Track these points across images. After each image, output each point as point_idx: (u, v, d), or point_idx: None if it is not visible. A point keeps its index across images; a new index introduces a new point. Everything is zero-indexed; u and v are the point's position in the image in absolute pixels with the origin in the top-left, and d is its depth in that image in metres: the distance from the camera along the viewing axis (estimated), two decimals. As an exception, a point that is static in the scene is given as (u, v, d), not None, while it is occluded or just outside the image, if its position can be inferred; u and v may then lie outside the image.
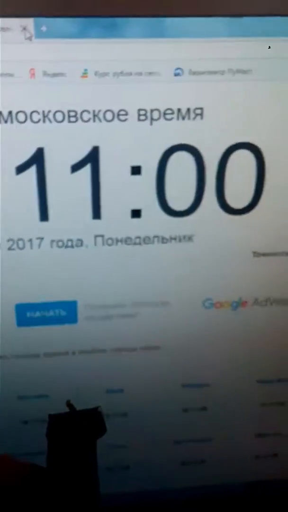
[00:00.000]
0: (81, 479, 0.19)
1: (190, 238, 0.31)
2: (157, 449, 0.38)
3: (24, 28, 0.25)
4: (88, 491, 0.19)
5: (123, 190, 0.30)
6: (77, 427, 0.19)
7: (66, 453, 0.19)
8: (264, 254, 0.32)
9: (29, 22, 0.25)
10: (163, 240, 0.31)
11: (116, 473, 0.38)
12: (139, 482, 0.38)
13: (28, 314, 0.32)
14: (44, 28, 0.25)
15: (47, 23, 0.25)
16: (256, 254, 0.32)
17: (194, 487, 0.39)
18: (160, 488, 0.39)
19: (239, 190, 0.30)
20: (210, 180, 0.30)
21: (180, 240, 0.31)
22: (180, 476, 0.39)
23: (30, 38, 0.25)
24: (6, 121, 0.27)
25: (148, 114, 0.28)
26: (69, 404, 0.19)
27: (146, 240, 0.31)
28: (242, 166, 0.29)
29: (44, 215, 0.30)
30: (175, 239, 0.31)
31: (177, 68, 0.27)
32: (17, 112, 0.27)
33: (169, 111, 0.28)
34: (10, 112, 0.27)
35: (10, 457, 0.20)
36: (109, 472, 0.37)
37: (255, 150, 0.29)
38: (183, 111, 0.28)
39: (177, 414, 0.36)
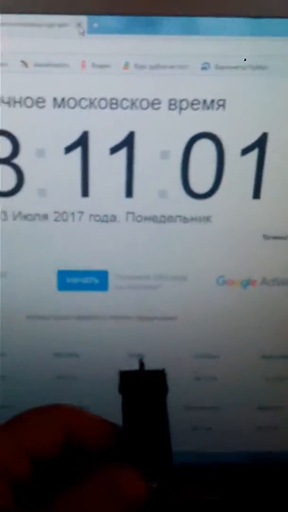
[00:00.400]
0: (155, 433, 0.17)
1: (208, 219, 0.29)
2: (171, 413, 0.34)
3: (79, 25, 0.24)
4: (162, 446, 0.17)
5: (152, 172, 0.28)
6: (147, 383, 0.18)
7: (140, 407, 0.17)
8: (274, 237, 0.29)
9: (84, 19, 0.24)
10: (185, 219, 0.29)
11: None
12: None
13: (67, 279, 0.30)
14: (95, 25, 0.24)
15: (98, 20, 0.24)
16: (265, 237, 0.29)
17: (201, 453, 0.35)
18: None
19: (255, 176, 0.27)
20: (228, 166, 0.27)
21: (199, 221, 0.29)
22: (191, 441, 0.35)
23: (83, 33, 0.24)
24: (59, 106, 0.26)
25: (178, 103, 0.26)
26: (141, 363, 0.18)
27: (170, 219, 0.29)
28: (258, 154, 0.27)
29: (85, 192, 0.28)
30: (195, 219, 0.29)
31: (205, 63, 0.25)
32: (69, 99, 0.25)
33: (195, 102, 0.26)
34: (63, 99, 0.25)
35: (87, 412, 0.18)
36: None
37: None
38: (208, 102, 0.26)
39: (190, 381, 0.33)
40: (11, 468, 0.16)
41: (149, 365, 0.32)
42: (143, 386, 0.17)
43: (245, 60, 0.24)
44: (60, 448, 0.17)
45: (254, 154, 0.27)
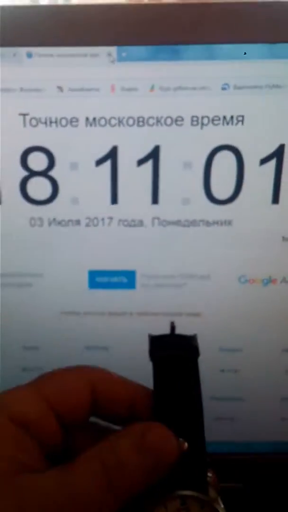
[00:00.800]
0: (187, 396, 0.18)
1: (229, 223, 0.34)
2: None
3: (109, 54, 0.30)
4: (194, 408, 0.18)
5: (176, 181, 0.33)
6: (178, 346, 0.19)
7: (171, 371, 0.18)
8: (292, 239, 0.35)
9: (113, 49, 0.30)
10: (207, 223, 0.34)
11: None
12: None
13: (97, 279, 0.36)
14: (124, 54, 0.30)
15: (126, 50, 0.30)
16: (284, 239, 0.34)
17: (225, 442, 0.41)
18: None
19: (271, 184, 0.33)
20: (247, 175, 0.33)
21: (221, 224, 0.34)
22: (214, 431, 0.40)
23: (113, 62, 0.30)
24: (91, 125, 0.32)
25: (199, 120, 0.31)
26: (172, 326, 0.20)
27: (193, 223, 0.34)
28: (274, 164, 0.32)
29: (114, 199, 0.34)
30: (217, 223, 0.34)
31: (225, 84, 0.30)
32: (100, 118, 0.32)
33: (216, 118, 0.31)
34: (94, 118, 0.32)
35: (115, 373, 0.19)
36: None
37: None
38: (228, 118, 0.31)
39: (215, 373, 0.38)
40: (39, 429, 0.17)
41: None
42: (174, 350, 0.18)
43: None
44: (87, 409, 0.18)
45: (272, 163, 0.32)
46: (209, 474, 0.18)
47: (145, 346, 0.38)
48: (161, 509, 0.17)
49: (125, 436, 0.17)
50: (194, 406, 0.18)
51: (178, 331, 0.36)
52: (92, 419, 0.20)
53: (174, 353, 0.19)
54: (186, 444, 0.17)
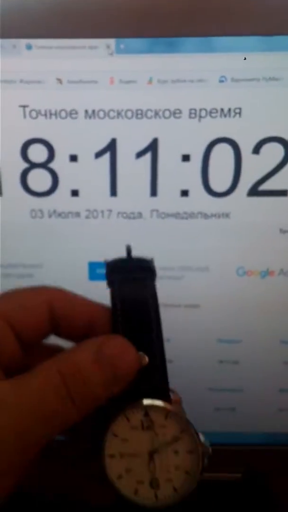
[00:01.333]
0: (145, 313, 0.18)
1: (227, 215, 0.34)
2: (194, 394, 0.40)
3: (108, 46, 0.30)
4: (152, 324, 0.18)
5: (175, 174, 0.33)
6: (134, 268, 0.19)
7: (128, 291, 0.18)
8: (290, 231, 0.35)
9: (112, 41, 0.30)
10: (205, 216, 0.34)
11: None
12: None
13: (97, 270, 0.36)
14: (122, 46, 0.30)
15: (125, 42, 0.30)
16: (282, 231, 0.35)
17: (224, 432, 0.41)
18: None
19: (269, 175, 0.33)
20: (245, 167, 0.33)
21: (219, 217, 0.34)
22: (213, 421, 0.41)
23: (111, 54, 0.30)
24: (90, 117, 0.32)
25: (197, 112, 0.31)
26: (128, 250, 0.20)
27: (192, 215, 0.35)
28: (272, 156, 0.33)
29: (113, 192, 0.34)
30: (215, 215, 0.34)
31: (222, 76, 0.30)
32: (99, 110, 0.32)
33: (214, 110, 0.31)
34: (93, 110, 0.32)
35: (74, 292, 0.19)
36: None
37: (284, 143, 0.32)
38: (225, 110, 0.31)
39: (213, 364, 0.39)
40: None
41: (174, 349, 0.39)
42: (131, 272, 0.18)
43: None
44: (46, 327, 0.18)
45: (269, 155, 0.33)
46: (171, 393, 0.18)
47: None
48: (124, 420, 0.17)
49: (83, 348, 0.17)
50: (152, 322, 0.18)
51: (177, 321, 0.38)
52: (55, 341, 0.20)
53: (131, 275, 0.19)
54: (146, 358, 0.17)
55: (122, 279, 0.19)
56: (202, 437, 0.18)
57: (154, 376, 0.18)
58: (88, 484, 0.20)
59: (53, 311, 0.18)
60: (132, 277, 0.19)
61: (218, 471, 0.40)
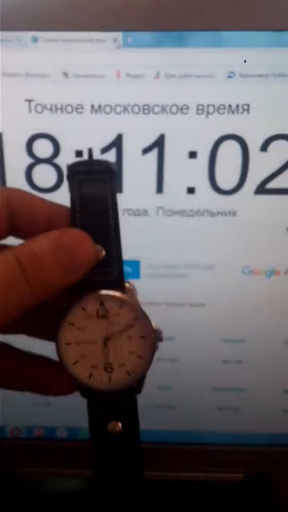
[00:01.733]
0: (103, 211, 0.18)
1: (234, 213, 0.34)
2: (198, 393, 0.40)
3: (115, 40, 0.29)
4: (110, 220, 0.18)
5: (181, 171, 0.33)
6: (95, 169, 0.19)
7: (86, 189, 0.18)
8: (296, 230, 0.34)
9: (119, 35, 0.29)
10: (211, 214, 0.34)
11: (162, 412, 0.40)
12: (182, 422, 0.40)
13: None
14: (129, 40, 0.29)
15: (132, 35, 0.29)
16: None
17: (227, 432, 0.41)
18: (199, 430, 0.41)
19: (277, 173, 0.33)
20: (252, 164, 0.32)
21: (225, 215, 0.34)
22: (216, 421, 0.40)
23: (118, 47, 0.30)
24: (96, 112, 0.32)
25: (205, 108, 0.31)
26: (90, 153, 0.19)
27: (198, 213, 0.34)
28: (280, 153, 0.32)
29: (119, 188, 0.34)
30: (221, 213, 0.34)
31: (230, 72, 0.30)
32: (105, 105, 0.31)
33: (222, 106, 0.31)
34: (99, 105, 0.31)
35: (33, 194, 0.20)
36: (157, 410, 0.40)
37: (292, 141, 0.32)
38: (233, 106, 0.31)
39: (217, 364, 0.38)
40: None
41: (178, 348, 0.38)
42: (90, 172, 0.18)
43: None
44: (4, 226, 0.18)
45: (277, 153, 0.32)
46: (127, 284, 0.19)
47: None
48: (80, 310, 0.18)
49: (41, 237, 0.17)
50: (110, 218, 0.18)
51: (181, 320, 0.38)
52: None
53: (89, 175, 0.18)
54: (103, 252, 0.18)
55: (81, 179, 0.19)
56: (154, 324, 0.19)
57: (110, 269, 0.18)
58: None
59: (12, 210, 0.19)
60: (91, 177, 0.19)
61: (220, 471, 0.41)
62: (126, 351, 0.18)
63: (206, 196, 0.33)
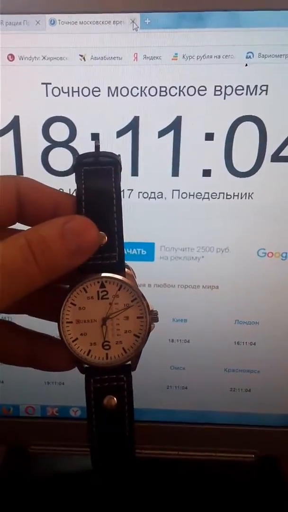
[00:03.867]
0: (107, 200, 0.19)
1: (250, 196, 0.34)
2: (210, 374, 0.40)
3: (133, 21, 0.29)
4: (113, 209, 0.19)
5: (197, 153, 0.33)
6: (101, 160, 0.20)
7: (92, 179, 0.19)
8: (313, 213, 0.34)
9: (137, 16, 0.29)
10: (227, 196, 0.34)
11: (175, 392, 0.40)
12: (194, 402, 0.41)
13: None
14: (147, 21, 0.29)
15: (150, 17, 0.29)
16: None
17: (239, 413, 0.41)
18: (211, 410, 0.41)
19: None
20: (270, 146, 0.32)
21: (241, 197, 0.34)
22: (228, 401, 0.41)
23: (136, 29, 0.29)
24: (112, 95, 0.32)
25: (223, 89, 0.31)
26: (96, 145, 0.20)
27: (213, 195, 0.34)
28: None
29: (135, 171, 0.34)
30: (237, 196, 0.34)
31: (249, 52, 0.30)
32: (122, 88, 0.31)
33: (240, 87, 0.31)
34: (116, 87, 0.31)
35: (41, 183, 0.20)
36: (169, 389, 0.40)
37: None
38: (251, 87, 0.31)
39: (229, 345, 0.39)
40: None
41: (191, 329, 0.39)
42: (96, 163, 0.19)
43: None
44: (13, 211, 0.19)
45: (296, 134, 0.32)
46: (127, 269, 0.20)
47: (162, 318, 0.39)
48: (81, 291, 0.19)
49: (49, 222, 0.18)
50: (113, 206, 0.19)
51: (195, 302, 0.38)
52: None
53: (95, 166, 0.20)
54: (106, 237, 0.19)
55: (87, 170, 0.19)
56: (150, 305, 0.20)
57: (111, 254, 0.19)
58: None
59: (20, 197, 0.19)
60: (96, 168, 0.20)
61: (231, 452, 0.42)
62: (123, 330, 0.20)
63: (222, 179, 0.34)
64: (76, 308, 0.19)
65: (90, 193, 0.19)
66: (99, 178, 0.19)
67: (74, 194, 0.20)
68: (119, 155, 0.20)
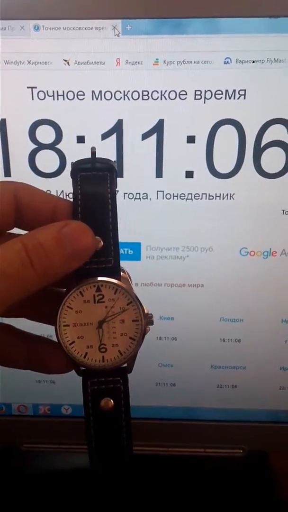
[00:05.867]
0: (103, 205, 0.20)
1: (231, 197, 0.35)
2: (197, 371, 0.41)
3: (114, 27, 0.30)
4: (109, 213, 0.20)
5: (180, 155, 0.34)
6: (97, 166, 0.20)
7: (88, 184, 0.20)
8: (292, 212, 0.35)
9: (118, 22, 0.30)
10: (210, 197, 0.35)
11: (164, 389, 0.41)
12: (182, 398, 0.42)
13: None
14: (129, 27, 0.30)
15: (131, 23, 0.30)
16: (285, 212, 0.35)
17: (226, 409, 0.42)
18: (199, 406, 0.42)
19: (273, 158, 0.34)
20: (249, 148, 0.33)
21: (223, 198, 0.35)
22: (215, 398, 0.42)
23: (118, 35, 0.31)
24: (97, 98, 0.33)
25: (203, 94, 0.32)
26: (93, 151, 0.21)
27: (196, 196, 0.35)
28: (276, 138, 0.33)
29: (120, 173, 0.35)
30: (219, 196, 0.35)
31: (227, 58, 0.31)
32: (105, 92, 0.32)
33: (219, 92, 0.32)
34: (100, 91, 0.32)
35: (37, 188, 0.21)
36: (158, 387, 0.41)
37: (288, 125, 0.32)
38: (230, 92, 0.32)
39: (215, 342, 0.40)
40: None
41: (178, 327, 0.39)
42: (92, 169, 0.20)
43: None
44: (12, 216, 0.20)
45: (273, 137, 0.33)
46: (123, 273, 0.20)
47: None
48: (78, 295, 0.20)
49: (45, 227, 0.18)
50: (109, 211, 0.20)
51: (181, 300, 0.39)
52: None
53: (91, 172, 0.20)
54: (101, 242, 0.19)
55: (83, 175, 0.20)
56: (146, 309, 0.20)
57: (107, 258, 0.20)
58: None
59: (19, 202, 0.20)
60: (92, 174, 0.20)
61: (219, 447, 0.43)
62: (119, 333, 0.20)
63: (204, 180, 0.34)
64: (73, 312, 0.20)
65: (86, 198, 0.20)
66: (95, 184, 0.20)
67: (70, 198, 0.20)
68: (114, 161, 0.21)
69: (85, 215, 0.19)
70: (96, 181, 0.20)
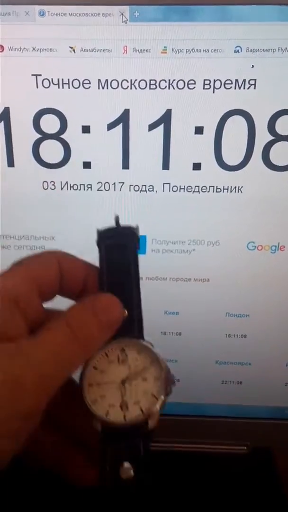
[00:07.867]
0: (127, 275, 0.22)
1: (239, 189, 0.35)
2: (202, 367, 0.41)
3: (122, 14, 0.30)
4: (132, 286, 0.22)
5: (187, 147, 0.33)
6: (121, 234, 0.22)
7: (113, 254, 0.22)
8: (302, 205, 0.35)
9: (126, 9, 0.30)
10: (217, 189, 0.35)
11: None
12: (187, 395, 0.42)
13: None
14: (136, 14, 0.30)
15: (139, 9, 0.30)
16: None
17: (231, 405, 0.42)
18: (203, 402, 0.42)
19: (283, 150, 0.33)
20: (258, 140, 0.33)
21: (231, 191, 0.35)
22: (220, 394, 0.42)
23: (125, 22, 0.30)
24: (103, 87, 0.32)
25: (212, 83, 0.31)
26: (117, 220, 0.23)
27: (203, 189, 0.35)
28: (287, 129, 0.32)
29: (126, 164, 0.34)
30: (227, 189, 0.35)
31: (237, 46, 0.30)
32: (112, 80, 0.32)
33: (228, 81, 0.31)
34: (106, 80, 0.32)
35: (74, 256, 0.23)
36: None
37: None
38: (240, 81, 0.31)
39: (221, 338, 0.39)
40: (23, 298, 0.20)
41: (183, 322, 0.39)
42: (116, 239, 0.22)
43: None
44: (57, 284, 0.21)
45: (284, 128, 0.32)
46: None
47: (154, 311, 0.40)
48: (103, 356, 0.21)
49: (82, 302, 0.21)
50: (132, 281, 0.22)
51: (186, 295, 0.38)
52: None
53: (116, 241, 0.22)
54: (126, 312, 0.21)
55: (108, 244, 0.22)
56: (168, 367, 0.21)
57: (131, 327, 0.21)
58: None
59: (61, 269, 0.22)
60: (117, 243, 0.22)
61: (223, 444, 0.43)
62: (141, 391, 0.21)
63: (212, 172, 0.34)
64: (98, 372, 0.21)
65: (110, 267, 0.22)
66: (118, 252, 0.22)
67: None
68: (137, 226, 0.22)
69: (110, 284, 0.21)
70: (120, 250, 0.22)
